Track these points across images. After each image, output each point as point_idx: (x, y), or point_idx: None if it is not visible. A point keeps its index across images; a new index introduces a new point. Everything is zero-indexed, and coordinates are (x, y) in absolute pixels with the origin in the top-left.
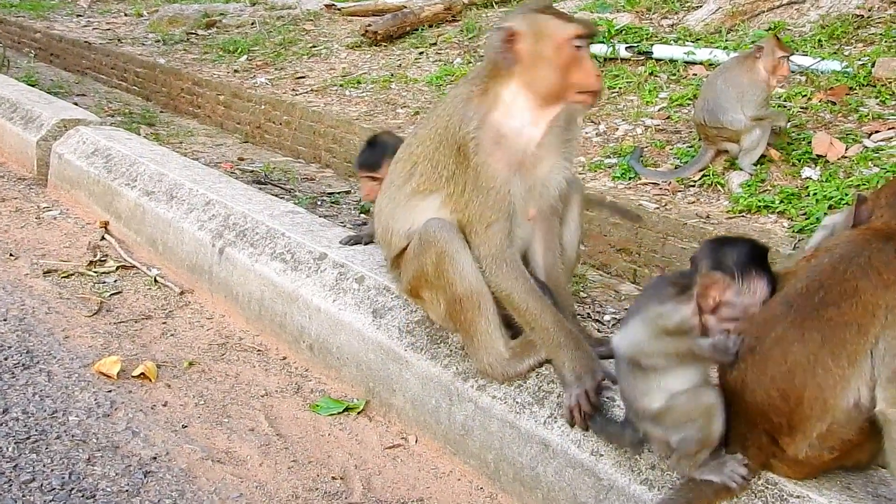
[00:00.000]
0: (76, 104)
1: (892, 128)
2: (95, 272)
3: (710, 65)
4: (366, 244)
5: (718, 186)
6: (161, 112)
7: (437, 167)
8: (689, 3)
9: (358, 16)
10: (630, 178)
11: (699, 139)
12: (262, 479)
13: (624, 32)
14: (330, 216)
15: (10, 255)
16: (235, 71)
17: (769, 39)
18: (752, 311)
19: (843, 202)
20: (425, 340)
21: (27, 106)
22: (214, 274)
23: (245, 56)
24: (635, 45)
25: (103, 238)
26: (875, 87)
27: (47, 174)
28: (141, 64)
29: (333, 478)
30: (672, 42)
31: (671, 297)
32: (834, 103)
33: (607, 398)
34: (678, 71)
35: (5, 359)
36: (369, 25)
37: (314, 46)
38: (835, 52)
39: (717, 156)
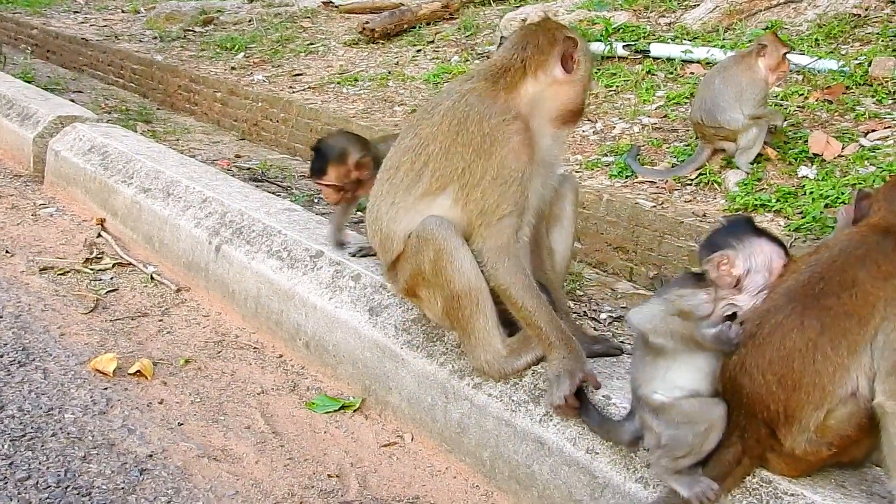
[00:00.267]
0: (73, 101)
1: (889, 127)
2: (92, 269)
3: (708, 63)
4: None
5: (715, 185)
6: (158, 109)
7: (453, 160)
8: (686, 2)
9: (355, 13)
10: (627, 177)
11: (696, 138)
12: (257, 477)
13: (621, 31)
14: (326, 214)
15: (6, 252)
16: (232, 68)
17: (769, 36)
18: (775, 267)
19: (840, 201)
20: (421, 338)
21: (23, 103)
22: (211, 271)
23: (242, 53)
24: (633, 43)
25: (99, 235)
26: (871, 86)
27: (44, 171)
28: (138, 61)
29: (329, 476)
30: (669, 41)
31: (692, 283)
32: (830, 102)
33: (602, 396)
34: (675, 69)
35: (1, 356)
36: (367, 23)
37: (311, 44)
38: (832, 51)
39: (714, 154)
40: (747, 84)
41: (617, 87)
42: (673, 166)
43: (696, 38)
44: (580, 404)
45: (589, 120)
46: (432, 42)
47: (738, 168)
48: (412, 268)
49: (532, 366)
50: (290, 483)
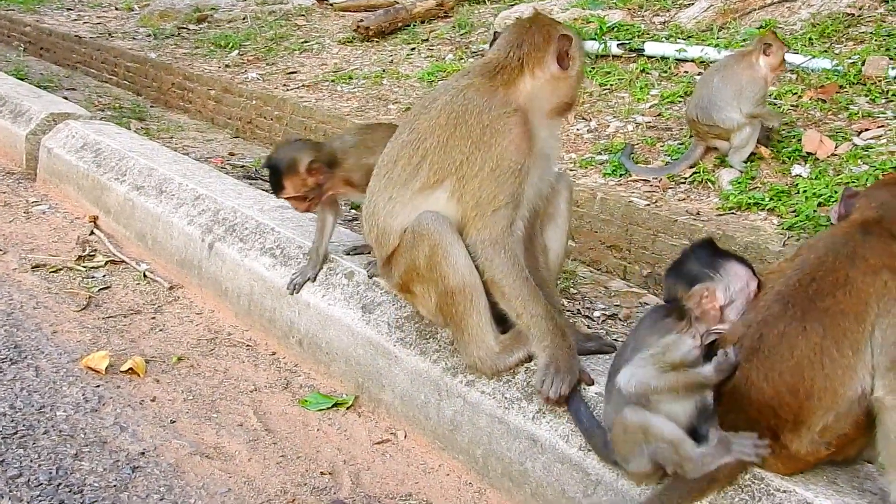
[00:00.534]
0: (66, 98)
1: (882, 126)
2: (84, 267)
3: (702, 62)
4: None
5: (709, 183)
6: (151, 107)
7: (451, 153)
8: (680, 1)
9: (350, 11)
10: (621, 175)
11: (690, 135)
12: (250, 475)
13: (616, 29)
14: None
15: None
16: (226, 66)
17: (771, 35)
18: (752, 289)
19: (833, 200)
20: (415, 336)
21: (16, 100)
22: (204, 269)
23: (236, 51)
24: (627, 42)
25: (92, 233)
26: (865, 85)
27: (36, 168)
28: (131, 58)
29: (322, 473)
30: (664, 39)
31: (671, 328)
32: (824, 101)
33: (595, 393)
34: (669, 68)
35: None
36: (361, 21)
37: (306, 42)
38: (825, 51)
39: (708, 152)
40: (747, 82)
41: (611, 85)
42: (666, 164)
43: (690, 36)
44: (573, 403)
45: (583, 118)
46: (427, 40)
47: (731, 167)
48: (407, 263)
49: (524, 362)
50: (283, 481)
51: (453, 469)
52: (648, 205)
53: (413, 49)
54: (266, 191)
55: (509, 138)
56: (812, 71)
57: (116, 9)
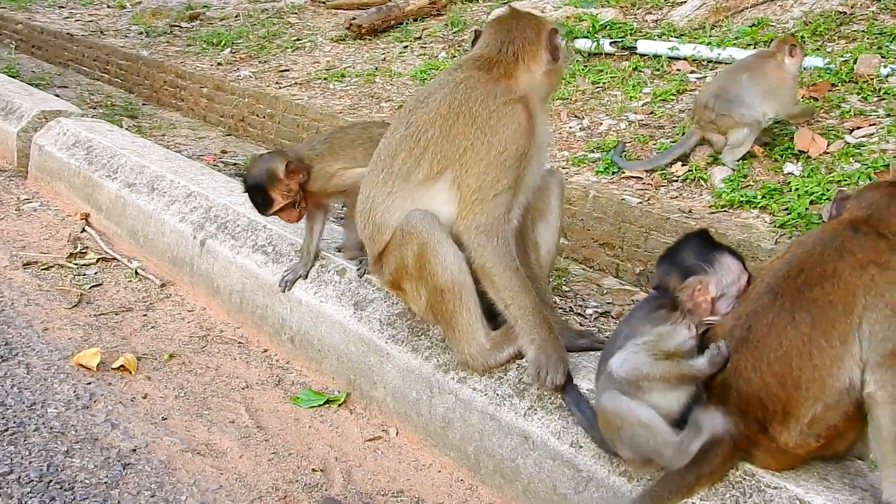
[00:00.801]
0: (57, 96)
1: (874, 124)
2: (76, 264)
3: (694, 60)
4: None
5: (701, 181)
6: (143, 104)
7: (455, 140)
8: None
9: (342, 9)
10: (613, 173)
11: (692, 121)
12: (241, 472)
13: (608, 27)
14: None
15: None
16: (219, 64)
17: (790, 37)
18: (742, 282)
19: (825, 198)
20: (406, 333)
21: (7, 97)
22: (195, 266)
23: (229, 49)
24: (619, 40)
25: (84, 230)
26: (857, 83)
27: (27, 166)
28: (123, 56)
29: (314, 470)
30: (656, 37)
31: (665, 318)
32: (816, 99)
33: (588, 390)
34: (662, 66)
35: None
36: (354, 19)
37: (298, 39)
38: (817, 49)
39: (701, 144)
40: (779, 84)
41: (604, 83)
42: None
43: (682, 35)
44: (571, 396)
45: (576, 116)
46: (419, 38)
47: (724, 164)
48: (397, 261)
49: (515, 358)
50: (275, 477)
51: (445, 466)
52: (641, 203)
53: (406, 47)
54: None
55: (517, 122)
56: (804, 69)
57: (108, 6)
